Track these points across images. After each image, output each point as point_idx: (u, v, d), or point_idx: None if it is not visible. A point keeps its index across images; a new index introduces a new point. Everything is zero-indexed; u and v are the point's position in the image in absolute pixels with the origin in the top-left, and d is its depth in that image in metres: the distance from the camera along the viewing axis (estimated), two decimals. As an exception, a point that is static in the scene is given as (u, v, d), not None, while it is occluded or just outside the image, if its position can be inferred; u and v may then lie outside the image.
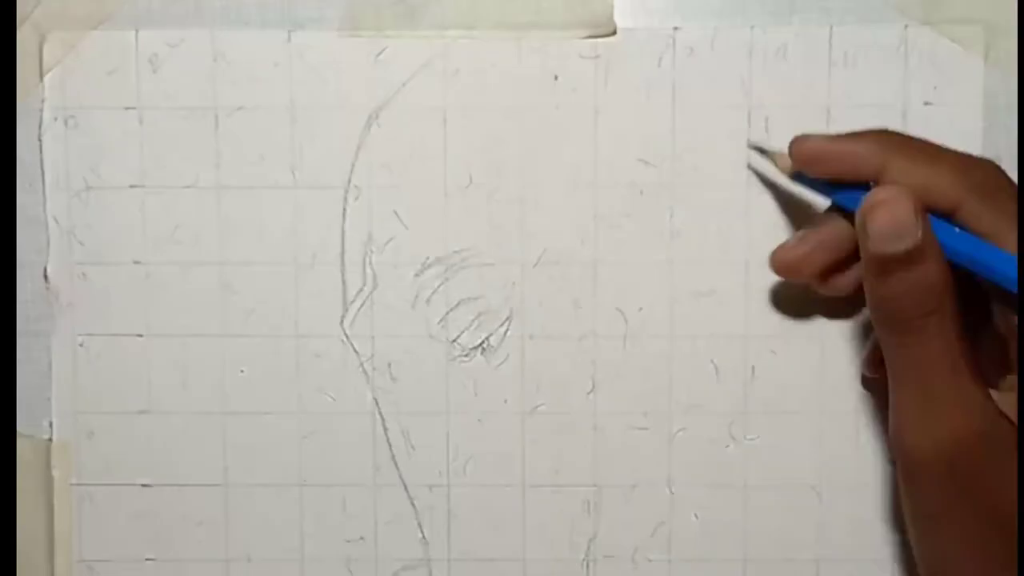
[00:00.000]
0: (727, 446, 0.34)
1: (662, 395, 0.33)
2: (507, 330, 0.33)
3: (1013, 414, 0.25)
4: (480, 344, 0.34)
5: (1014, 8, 0.32)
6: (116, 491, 0.34)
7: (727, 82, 0.33)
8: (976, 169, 0.27)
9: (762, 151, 0.32)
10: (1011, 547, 0.24)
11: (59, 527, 0.34)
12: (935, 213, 0.26)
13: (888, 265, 0.25)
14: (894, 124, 0.32)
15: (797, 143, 0.28)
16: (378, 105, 0.33)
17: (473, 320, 0.34)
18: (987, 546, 0.25)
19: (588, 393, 0.34)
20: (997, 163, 0.28)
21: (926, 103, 0.33)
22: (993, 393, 0.25)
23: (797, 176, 0.30)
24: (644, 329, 0.33)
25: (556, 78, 0.33)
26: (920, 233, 0.24)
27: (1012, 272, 0.25)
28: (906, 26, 0.32)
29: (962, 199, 0.26)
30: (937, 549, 0.26)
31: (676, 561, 0.34)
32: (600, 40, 0.33)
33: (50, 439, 0.34)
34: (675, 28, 0.33)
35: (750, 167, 0.32)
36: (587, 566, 0.34)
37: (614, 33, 0.33)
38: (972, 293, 0.27)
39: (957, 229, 0.26)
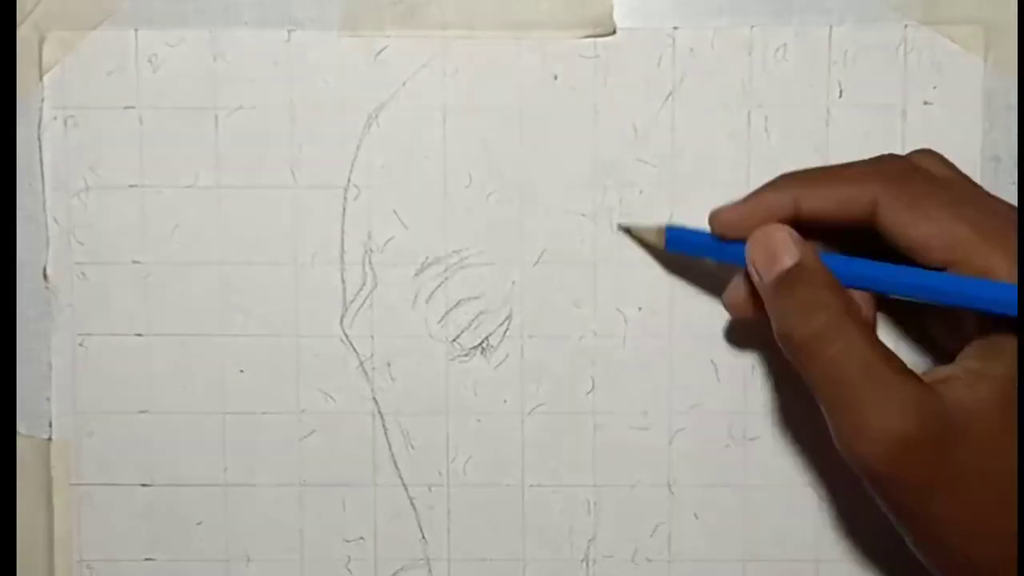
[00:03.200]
0: (727, 446, 0.34)
1: (662, 395, 0.33)
2: (507, 330, 0.33)
3: (970, 395, 0.25)
4: (480, 344, 0.34)
5: (1014, 8, 0.32)
6: (116, 491, 0.34)
7: (727, 82, 0.33)
8: (882, 168, 0.27)
9: (629, 231, 0.33)
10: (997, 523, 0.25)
11: (59, 527, 0.34)
12: (858, 224, 0.27)
13: (778, 287, 0.27)
14: (894, 124, 0.32)
15: (715, 217, 0.29)
16: (378, 105, 0.33)
17: (473, 320, 0.34)
18: (961, 536, 0.25)
19: (588, 393, 0.34)
20: (927, 154, 0.29)
21: (926, 103, 0.33)
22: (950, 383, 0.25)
23: (672, 243, 0.31)
24: (644, 329, 0.33)
25: (556, 78, 0.33)
26: (798, 253, 0.26)
27: (907, 283, 0.26)
28: (906, 26, 0.32)
29: (877, 201, 0.26)
30: (913, 541, 0.27)
31: (676, 561, 0.34)
32: (600, 40, 0.33)
33: (50, 439, 0.34)
34: (675, 28, 0.33)
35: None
36: (587, 566, 0.34)
37: (614, 33, 0.33)
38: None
39: (852, 259, 0.28)
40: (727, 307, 0.30)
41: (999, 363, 0.25)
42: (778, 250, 0.27)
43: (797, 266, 0.26)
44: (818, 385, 0.26)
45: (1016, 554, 0.25)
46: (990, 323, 0.25)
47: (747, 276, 0.29)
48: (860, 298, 0.28)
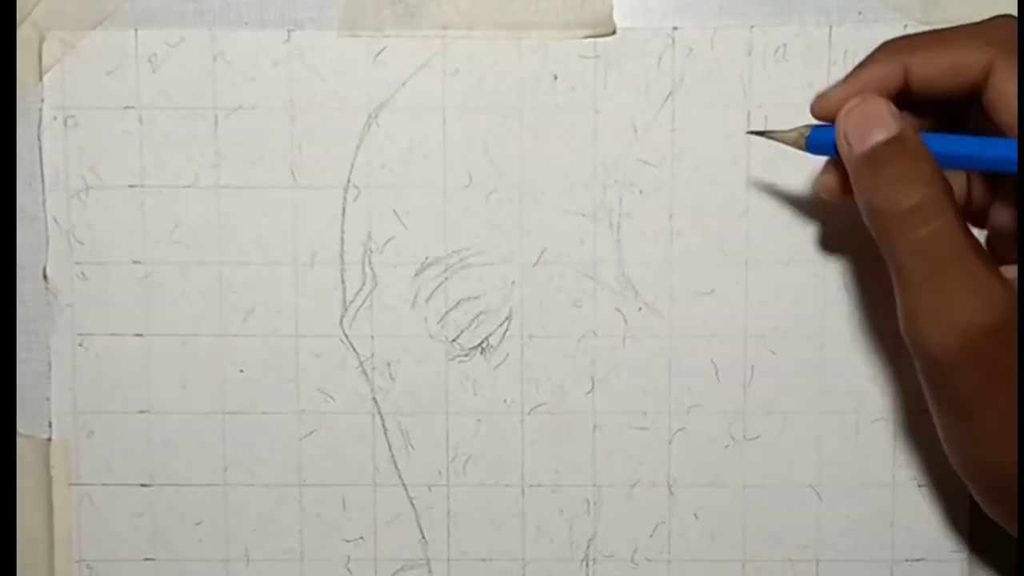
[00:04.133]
0: (727, 446, 0.34)
1: (662, 395, 0.33)
2: (507, 330, 0.33)
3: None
4: (480, 344, 0.34)
5: (1014, 8, 0.32)
6: (115, 491, 0.34)
7: (727, 82, 0.33)
8: (996, 31, 0.26)
9: (763, 134, 0.30)
10: None
11: (59, 527, 0.34)
12: (972, 88, 0.25)
13: (872, 160, 0.25)
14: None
15: (820, 101, 0.27)
16: (377, 105, 0.33)
17: (473, 320, 0.34)
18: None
19: (588, 393, 0.34)
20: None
21: (926, 103, 0.32)
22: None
23: (813, 146, 0.29)
24: (644, 329, 0.33)
25: (556, 78, 0.33)
26: (895, 125, 0.25)
27: (1007, 154, 0.25)
28: (906, 26, 0.32)
29: (992, 66, 0.25)
30: (970, 435, 0.26)
31: (676, 561, 0.34)
32: (600, 40, 0.33)
33: (50, 439, 0.34)
34: (675, 28, 0.33)
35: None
36: (587, 566, 0.34)
37: (614, 33, 0.33)
38: (979, 189, 0.28)
39: (947, 136, 0.26)
40: (819, 189, 0.29)
41: None
42: (874, 121, 0.25)
43: (895, 139, 0.25)
44: (904, 263, 0.25)
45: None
46: None
47: (849, 80, 0.27)
48: (955, 182, 0.26)
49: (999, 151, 0.25)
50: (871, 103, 0.26)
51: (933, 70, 0.26)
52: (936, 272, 0.24)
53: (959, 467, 0.27)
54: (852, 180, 0.26)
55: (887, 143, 0.25)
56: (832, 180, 0.28)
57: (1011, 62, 0.24)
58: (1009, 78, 0.24)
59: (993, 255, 0.28)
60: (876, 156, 0.25)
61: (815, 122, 0.28)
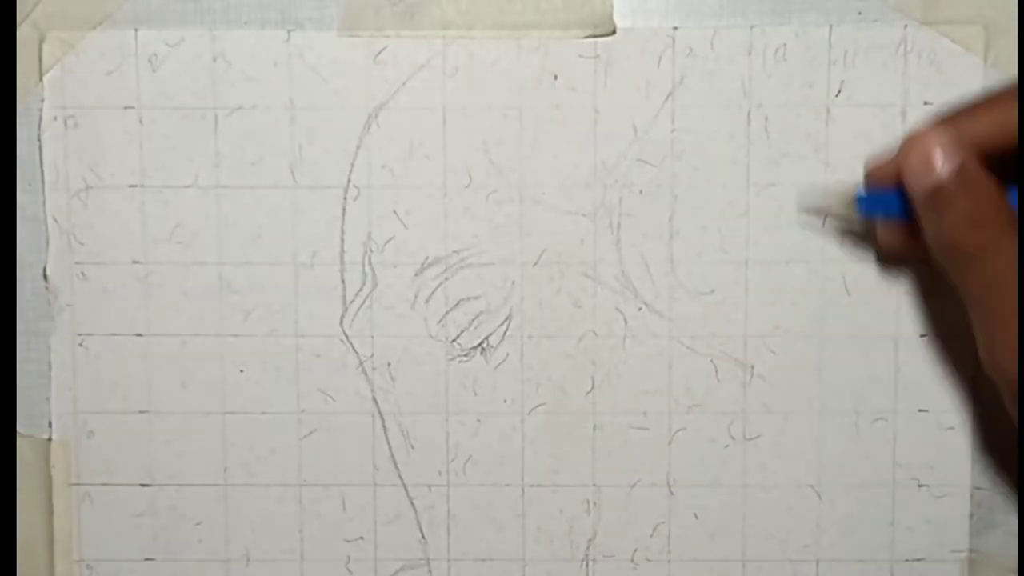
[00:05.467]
0: (727, 446, 0.34)
1: (662, 395, 0.33)
2: (507, 330, 0.33)
3: None
4: (480, 344, 0.34)
5: (1014, 8, 0.32)
6: (115, 491, 0.34)
7: (727, 82, 0.33)
8: None
9: (819, 209, 0.31)
10: None
11: (59, 527, 0.34)
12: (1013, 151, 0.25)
13: (935, 198, 0.25)
14: (894, 124, 0.32)
15: (868, 174, 0.28)
16: (377, 105, 0.33)
17: (472, 320, 0.34)
18: None
19: (588, 393, 0.34)
20: None
21: (926, 103, 0.32)
22: None
23: (865, 208, 0.30)
24: (644, 329, 0.33)
25: (556, 78, 0.33)
26: (958, 158, 0.24)
27: None
28: (906, 26, 0.32)
29: None
30: None
31: (676, 561, 0.34)
32: (600, 40, 0.33)
33: (50, 439, 0.34)
34: (675, 28, 0.33)
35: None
36: (587, 566, 0.34)
37: (614, 33, 0.33)
38: None
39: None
40: (881, 252, 0.29)
41: None
42: (936, 155, 0.25)
43: (958, 172, 0.25)
44: (975, 298, 0.25)
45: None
46: None
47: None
48: None
49: None
50: (932, 133, 0.25)
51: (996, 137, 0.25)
52: (1005, 307, 0.24)
53: None
54: (921, 214, 0.26)
55: (951, 178, 0.25)
56: (891, 240, 0.28)
57: None
58: None
59: None
60: (938, 194, 0.25)
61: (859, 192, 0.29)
